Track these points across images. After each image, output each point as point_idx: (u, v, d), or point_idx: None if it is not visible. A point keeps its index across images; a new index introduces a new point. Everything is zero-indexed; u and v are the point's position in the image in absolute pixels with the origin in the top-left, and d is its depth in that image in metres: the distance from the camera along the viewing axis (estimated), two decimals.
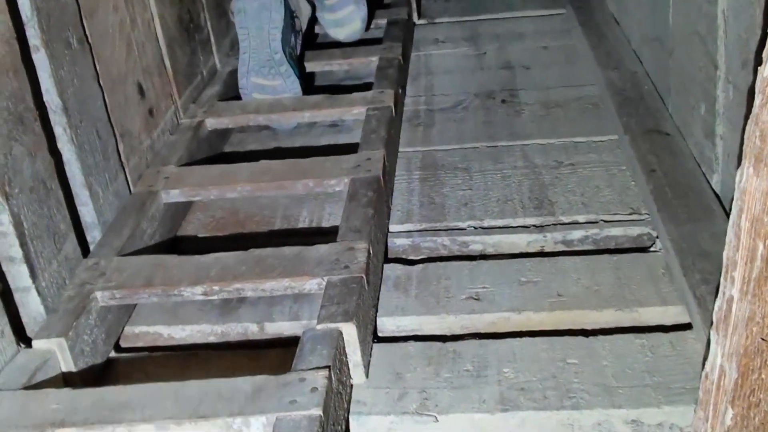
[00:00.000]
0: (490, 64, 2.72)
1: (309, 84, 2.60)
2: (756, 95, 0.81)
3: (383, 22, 2.86)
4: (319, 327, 1.40)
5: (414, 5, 3.10)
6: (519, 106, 2.39)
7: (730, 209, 1.61)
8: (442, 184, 2.02)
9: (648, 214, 1.80)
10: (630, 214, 1.82)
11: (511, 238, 1.81)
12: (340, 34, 2.77)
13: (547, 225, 1.83)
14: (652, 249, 1.74)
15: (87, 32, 1.73)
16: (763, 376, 0.90)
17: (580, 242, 1.79)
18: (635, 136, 1.99)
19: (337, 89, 2.43)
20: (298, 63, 2.46)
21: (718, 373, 0.96)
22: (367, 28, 2.82)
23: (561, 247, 1.79)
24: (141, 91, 1.96)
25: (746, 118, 1.50)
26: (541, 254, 1.76)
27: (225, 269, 1.57)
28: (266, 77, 2.34)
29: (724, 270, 0.91)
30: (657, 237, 1.74)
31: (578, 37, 2.77)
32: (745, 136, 0.84)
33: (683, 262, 1.53)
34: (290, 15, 2.42)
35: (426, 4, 3.33)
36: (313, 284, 1.53)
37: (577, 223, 1.82)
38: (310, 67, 2.60)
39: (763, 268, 0.83)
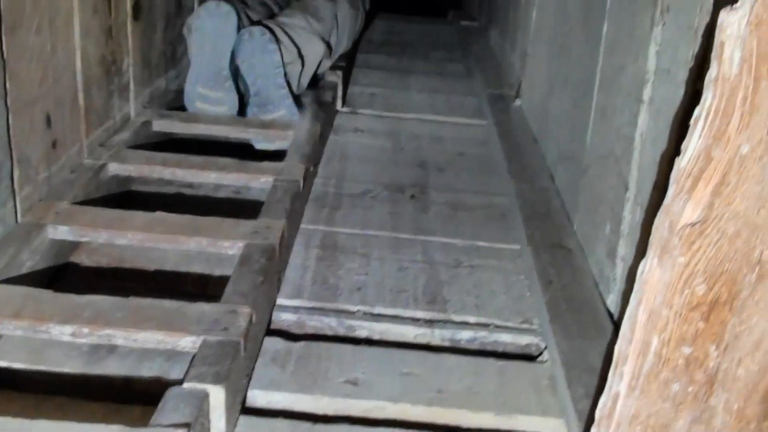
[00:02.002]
0: (406, 161, 2.72)
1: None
2: (670, 185, 0.79)
3: (307, 100, 2.84)
4: (185, 385, 1.32)
5: (339, 92, 3.10)
6: (427, 203, 2.38)
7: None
8: (338, 265, 1.98)
9: (539, 326, 1.78)
10: (522, 322, 1.80)
11: (399, 329, 1.77)
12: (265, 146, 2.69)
13: (437, 321, 1.79)
14: (539, 359, 1.71)
15: (4, 47, 1.66)
16: None
17: (467, 343, 1.76)
18: (537, 248, 1.98)
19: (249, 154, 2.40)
20: (237, 87, 2.68)
21: None
22: None
23: (448, 345, 1.75)
24: (48, 121, 1.89)
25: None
26: (427, 348, 1.72)
27: (99, 313, 1.49)
28: (212, 89, 2.63)
29: (613, 365, 0.87)
30: (545, 348, 1.71)
31: (496, 148, 2.79)
32: (653, 227, 0.82)
33: (569, 375, 1.50)
34: None
35: (351, 94, 3.33)
36: (188, 342, 1.46)
37: (468, 323, 1.79)
38: (224, 131, 2.56)
39: (655, 364, 0.80)
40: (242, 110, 2.69)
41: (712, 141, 0.74)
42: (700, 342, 0.78)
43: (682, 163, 0.77)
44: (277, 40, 2.67)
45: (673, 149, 1.44)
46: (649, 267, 0.81)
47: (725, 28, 0.74)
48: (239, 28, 2.64)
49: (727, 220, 0.74)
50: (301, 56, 2.79)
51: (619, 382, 0.85)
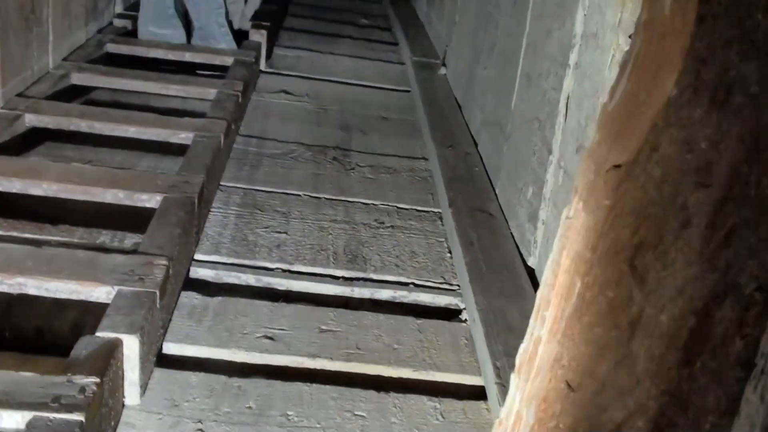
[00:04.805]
0: (329, 123, 2.69)
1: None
2: (596, 130, 0.78)
3: (230, 60, 2.80)
4: (98, 334, 1.29)
5: (264, 52, 3.06)
6: (349, 165, 2.36)
7: None
8: (257, 223, 1.95)
9: (459, 286, 1.78)
10: (441, 283, 1.80)
11: (318, 287, 1.75)
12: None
13: (356, 279, 1.78)
14: (457, 319, 1.71)
15: None
16: (560, 425, 0.85)
17: (387, 302, 1.75)
18: (459, 211, 1.98)
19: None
20: (184, 19, 3.01)
21: (513, 419, 0.91)
22: None
23: (367, 303, 1.74)
24: None
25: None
26: (346, 306, 1.70)
27: (10, 261, 1.45)
28: (160, 27, 2.96)
29: (535, 310, 0.87)
30: (464, 308, 1.71)
31: (420, 114, 2.78)
32: (578, 171, 0.81)
33: (488, 333, 1.50)
34: None
35: (276, 56, 3.29)
36: (102, 292, 1.42)
37: (387, 282, 1.78)
38: (145, 87, 2.51)
39: (578, 307, 0.80)
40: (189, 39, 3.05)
41: (640, 85, 0.74)
42: (624, 286, 0.78)
43: (609, 107, 0.77)
44: None
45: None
46: (574, 211, 0.80)
47: None
48: None
49: (653, 164, 0.74)
50: None
51: (540, 326, 0.85)
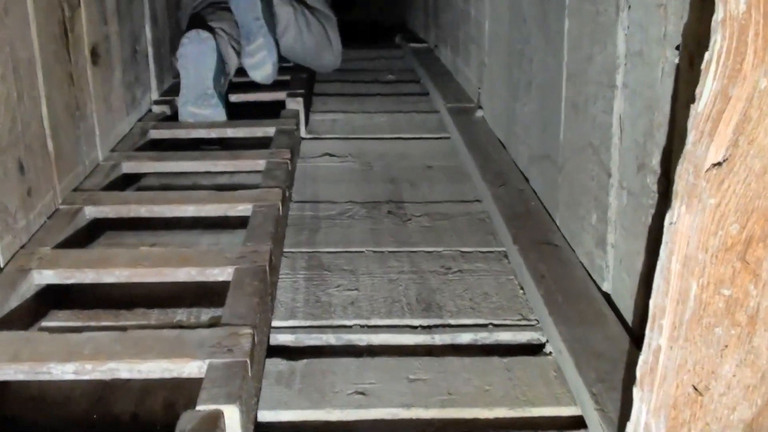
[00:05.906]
0: (376, 178, 2.72)
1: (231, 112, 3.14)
2: (689, 132, 0.79)
3: (272, 130, 2.84)
4: (199, 407, 1.30)
5: (302, 119, 3.11)
6: (405, 217, 2.38)
7: (623, 315, 1.60)
8: (327, 284, 1.97)
9: (537, 321, 1.78)
10: (519, 319, 1.80)
11: (399, 338, 1.76)
12: (257, 76, 3.47)
13: (435, 326, 1.78)
14: (542, 353, 1.70)
15: None
16: (692, 431, 0.85)
17: (468, 345, 1.75)
18: (524, 247, 1.99)
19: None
20: (225, 98, 3.11)
21: None
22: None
23: (450, 349, 1.74)
24: (21, 169, 1.87)
25: (644, 224, 1.50)
26: (430, 354, 1.71)
27: (99, 348, 1.47)
28: (199, 107, 2.99)
29: (650, 320, 0.87)
30: (547, 341, 1.71)
31: (465, 158, 2.80)
32: (677, 176, 0.82)
33: (577, 362, 1.50)
34: (222, 61, 3.07)
35: (313, 121, 3.34)
36: (193, 367, 1.44)
37: (466, 325, 1.79)
38: (193, 167, 2.55)
39: (697, 309, 0.80)
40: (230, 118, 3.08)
41: (727, 81, 0.75)
42: (739, 282, 0.78)
43: (699, 107, 0.78)
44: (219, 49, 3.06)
45: (657, 127, 1.45)
46: (677, 215, 0.81)
47: None
48: (219, 51, 3.02)
49: (752, 157, 0.75)
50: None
51: (659, 335, 0.85)
